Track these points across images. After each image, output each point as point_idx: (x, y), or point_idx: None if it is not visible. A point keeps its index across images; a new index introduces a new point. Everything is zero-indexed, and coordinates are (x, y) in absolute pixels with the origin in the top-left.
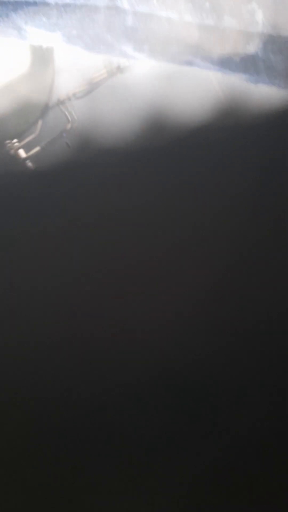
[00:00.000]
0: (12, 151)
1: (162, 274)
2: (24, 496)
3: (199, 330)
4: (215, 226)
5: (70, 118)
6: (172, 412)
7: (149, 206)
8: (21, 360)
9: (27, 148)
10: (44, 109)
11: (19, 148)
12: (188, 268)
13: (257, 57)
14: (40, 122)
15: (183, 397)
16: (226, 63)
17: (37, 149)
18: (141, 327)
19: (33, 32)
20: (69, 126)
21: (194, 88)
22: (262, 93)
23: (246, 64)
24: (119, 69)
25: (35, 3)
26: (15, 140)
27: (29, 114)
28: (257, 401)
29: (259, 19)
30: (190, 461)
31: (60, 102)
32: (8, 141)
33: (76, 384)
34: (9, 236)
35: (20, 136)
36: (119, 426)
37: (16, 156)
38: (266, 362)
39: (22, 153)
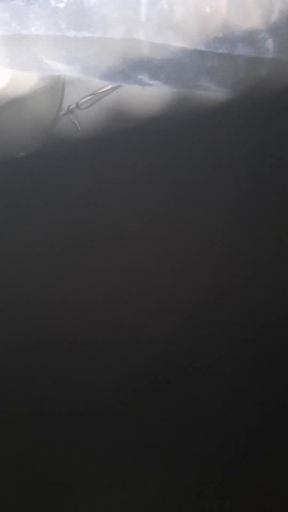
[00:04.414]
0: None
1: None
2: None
3: (199, 324)
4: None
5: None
6: (171, 405)
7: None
8: (14, 352)
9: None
10: (54, 121)
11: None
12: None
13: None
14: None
15: (182, 390)
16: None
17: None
18: (141, 314)
19: (53, 65)
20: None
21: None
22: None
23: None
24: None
25: (55, 37)
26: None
27: (38, 126)
28: (258, 395)
29: (270, 46)
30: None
31: (69, 112)
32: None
33: (73, 377)
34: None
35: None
36: (118, 420)
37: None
38: (266, 356)
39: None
